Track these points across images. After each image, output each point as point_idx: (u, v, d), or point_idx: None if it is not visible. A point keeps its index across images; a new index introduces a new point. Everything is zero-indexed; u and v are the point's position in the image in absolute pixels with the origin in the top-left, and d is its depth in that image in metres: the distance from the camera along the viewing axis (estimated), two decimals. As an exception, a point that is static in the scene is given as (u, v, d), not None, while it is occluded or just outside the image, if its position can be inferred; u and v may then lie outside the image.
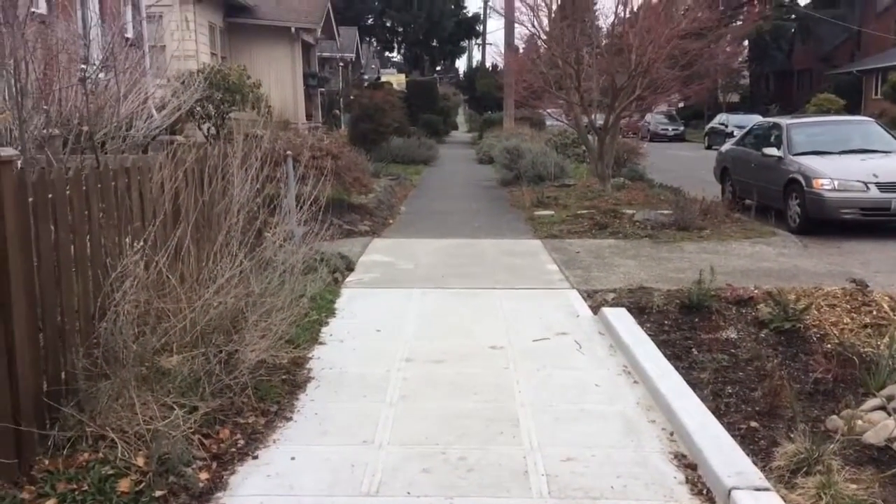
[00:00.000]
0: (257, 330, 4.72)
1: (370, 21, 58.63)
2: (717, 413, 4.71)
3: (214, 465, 3.98)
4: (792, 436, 4.31)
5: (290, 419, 4.66)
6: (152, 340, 4.23)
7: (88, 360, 4.02)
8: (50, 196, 3.92)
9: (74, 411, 3.89)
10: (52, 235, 3.93)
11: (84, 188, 4.25)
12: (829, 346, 5.84)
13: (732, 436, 4.35)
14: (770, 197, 12.62)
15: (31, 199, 3.77)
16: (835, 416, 4.73)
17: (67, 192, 4.08)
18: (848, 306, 6.65)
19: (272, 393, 4.86)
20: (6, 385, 3.56)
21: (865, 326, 6.19)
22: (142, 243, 4.23)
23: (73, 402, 3.95)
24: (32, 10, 9.02)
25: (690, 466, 4.06)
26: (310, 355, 5.79)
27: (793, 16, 47.11)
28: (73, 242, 4.12)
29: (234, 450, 4.16)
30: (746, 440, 4.42)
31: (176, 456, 3.74)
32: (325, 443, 4.35)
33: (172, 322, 4.36)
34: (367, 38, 58.48)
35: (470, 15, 63.62)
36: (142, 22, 15.17)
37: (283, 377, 5.15)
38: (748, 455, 4.09)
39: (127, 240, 4.46)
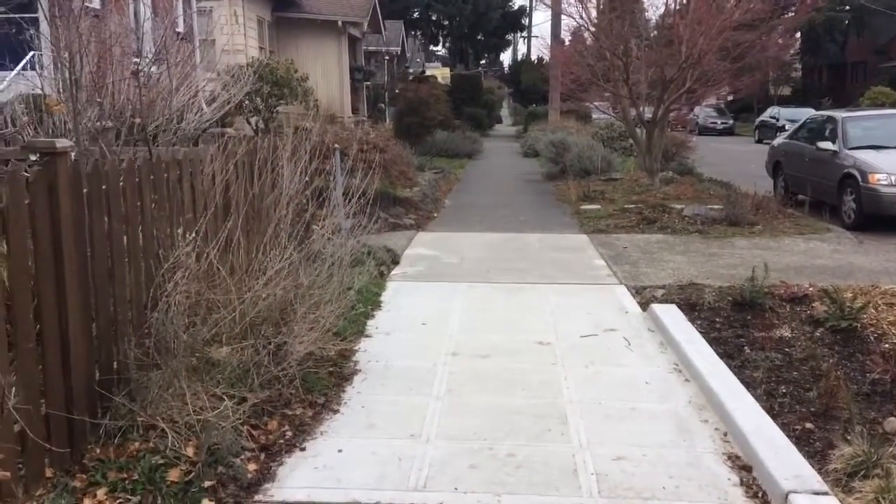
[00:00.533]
0: (306, 322, 4.73)
1: (416, 14, 58.64)
2: (771, 413, 4.60)
3: (263, 456, 3.99)
4: (848, 438, 4.19)
5: (337, 411, 4.66)
6: (203, 331, 4.25)
7: (140, 350, 4.06)
8: (104, 187, 3.97)
9: (126, 401, 3.93)
10: (105, 226, 3.98)
11: (137, 179, 4.29)
12: (887, 346, 5.67)
13: (787, 437, 4.23)
14: (824, 192, 12.31)
15: (85, 190, 3.82)
16: (893, 419, 4.60)
17: (121, 184, 4.12)
18: (907, 305, 6.45)
19: (319, 385, 4.87)
20: (59, 374, 3.61)
21: (926, 327, 6.00)
22: (193, 234, 4.26)
23: (125, 392, 3.99)
24: (87, 4, 9.18)
25: (745, 468, 3.96)
26: (356, 348, 5.80)
27: (847, 7, 45.91)
28: (125, 233, 4.16)
29: (282, 441, 4.18)
30: (801, 441, 4.31)
31: (225, 447, 3.76)
32: (372, 436, 4.34)
33: (222, 313, 4.39)
34: (413, 32, 58.55)
35: (515, 8, 63.31)
36: (192, 16, 15.36)
37: (330, 369, 5.16)
38: (804, 457, 3.98)
39: (178, 231, 4.50)
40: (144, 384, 4.00)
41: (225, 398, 4.02)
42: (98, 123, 6.97)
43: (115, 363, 4.04)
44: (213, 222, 4.85)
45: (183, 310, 4.14)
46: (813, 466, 3.89)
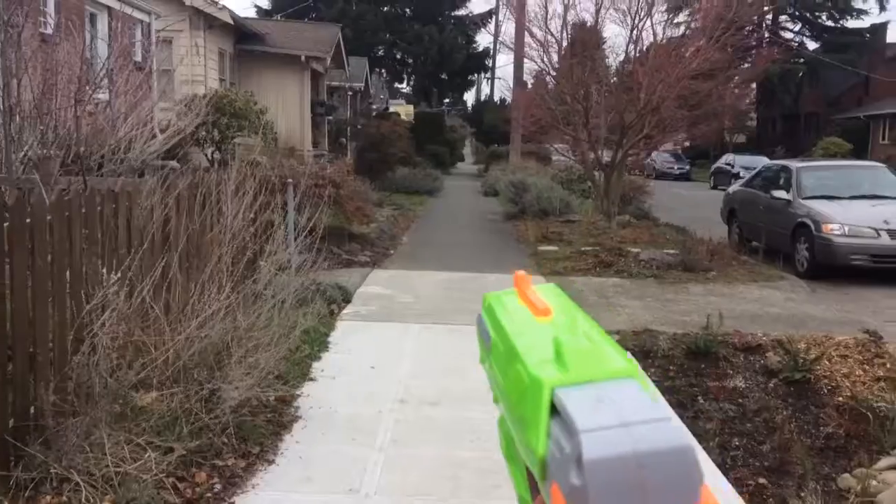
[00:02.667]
0: (242, 367, 4.49)
1: (380, 52, 58.89)
2: (724, 467, 4.48)
3: (187, 512, 3.73)
4: (802, 495, 4.07)
5: (272, 462, 4.40)
6: (129, 375, 4.00)
7: (59, 396, 3.79)
8: (28, 221, 3.73)
9: (40, 450, 3.65)
10: (27, 262, 3.73)
11: (66, 213, 4.05)
12: (840, 399, 5.60)
13: (739, 493, 4.09)
14: (778, 240, 12.39)
15: (6, 225, 3.58)
16: (847, 475, 4.50)
17: (48, 218, 3.89)
18: (860, 357, 6.42)
19: (255, 433, 4.60)
20: (-32, 421, 3.34)
21: (878, 380, 5.96)
22: (120, 272, 4.02)
23: (40, 440, 3.71)
24: (40, 30, 8.94)
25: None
26: (299, 392, 5.54)
27: (801, 60, 47.23)
28: (51, 270, 3.91)
29: (209, 495, 3.90)
30: (755, 498, 4.19)
31: (144, 502, 3.49)
32: (307, 490, 4.09)
33: (154, 355, 4.14)
34: (377, 69, 58.70)
35: (480, 49, 63.80)
36: (150, 47, 15.13)
37: (269, 416, 4.89)
38: (758, 518, 3.84)
39: (104, 269, 4.26)
40: (62, 432, 3.73)
41: (149, 448, 3.76)
42: (41, 152, 6.71)
43: (31, 409, 3.77)
44: (147, 259, 4.61)
45: (108, 352, 3.88)
46: (766, 527, 3.75)
